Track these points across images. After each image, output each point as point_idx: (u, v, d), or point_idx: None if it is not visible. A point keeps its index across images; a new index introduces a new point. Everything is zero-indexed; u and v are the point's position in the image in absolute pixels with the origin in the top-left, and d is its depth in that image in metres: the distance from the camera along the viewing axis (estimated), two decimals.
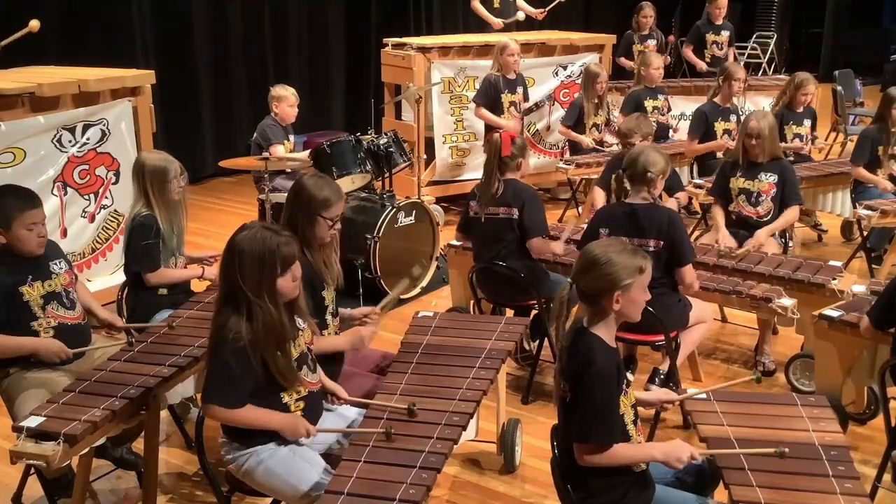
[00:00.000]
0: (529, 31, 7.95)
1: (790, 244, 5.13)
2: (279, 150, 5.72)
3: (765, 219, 4.76)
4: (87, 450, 2.86)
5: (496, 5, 7.92)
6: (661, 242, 3.80)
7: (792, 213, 4.79)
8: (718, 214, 4.92)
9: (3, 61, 5.21)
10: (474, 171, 7.16)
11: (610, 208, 4.24)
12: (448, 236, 5.32)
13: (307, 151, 5.83)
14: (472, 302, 4.59)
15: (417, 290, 5.57)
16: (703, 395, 2.92)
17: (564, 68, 7.66)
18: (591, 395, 2.49)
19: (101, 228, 5.25)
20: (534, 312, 4.39)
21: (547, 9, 8.12)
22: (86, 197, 5.13)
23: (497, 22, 7.83)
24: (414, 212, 5.49)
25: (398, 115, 7.90)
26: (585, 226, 4.27)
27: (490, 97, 6.56)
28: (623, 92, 7.27)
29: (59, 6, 7.21)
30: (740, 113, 6.36)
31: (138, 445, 3.40)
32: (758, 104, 7.72)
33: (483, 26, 8.04)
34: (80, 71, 5.30)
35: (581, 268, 2.61)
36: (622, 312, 2.58)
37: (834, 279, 4.10)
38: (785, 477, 2.48)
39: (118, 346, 3.31)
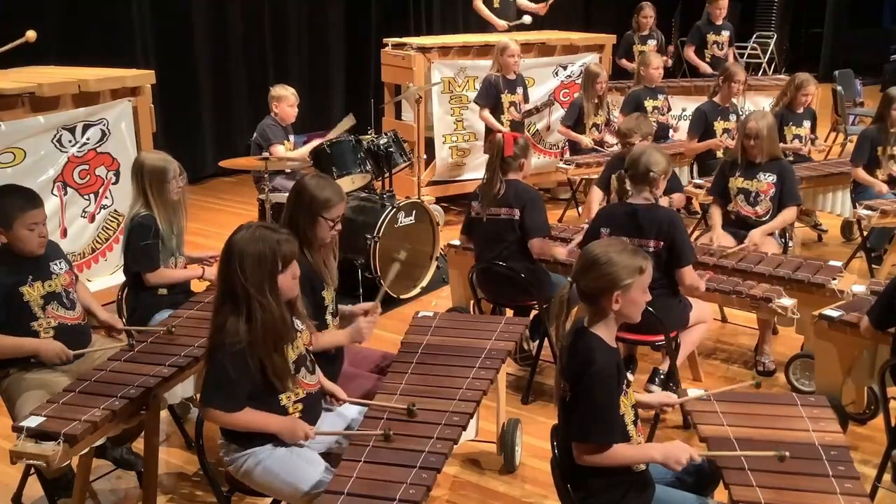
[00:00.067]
0: (529, 32, 7.95)
1: (790, 244, 5.14)
2: (279, 150, 5.72)
3: (763, 218, 4.76)
4: (87, 450, 2.86)
5: (496, 5, 7.91)
6: (661, 243, 3.80)
7: (789, 213, 4.79)
8: (716, 214, 4.93)
9: (3, 61, 5.21)
10: (474, 171, 7.17)
11: (611, 208, 4.24)
12: (448, 236, 5.32)
13: (314, 143, 5.84)
14: (472, 302, 4.59)
15: (417, 290, 5.58)
16: (703, 395, 2.92)
17: (564, 68, 7.66)
18: (591, 395, 2.49)
19: (101, 228, 5.25)
20: (534, 312, 4.39)
21: (548, 2, 8.11)
22: (86, 197, 5.13)
23: (501, 24, 7.82)
24: (414, 212, 5.49)
25: (398, 115, 7.90)
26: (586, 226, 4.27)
27: (491, 98, 6.56)
28: (623, 92, 7.27)
29: (59, 6, 7.21)
30: (740, 112, 6.37)
31: (138, 445, 3.40)
32: (758, 104, 7.72)
33: (484, 26, 8.03)
34: (80, 71, 5.30)
35: (581, 267, 2.61)
36: (622, 313, 2.57)
37: (834, 279, 4.10)
38: (785, 477, 2.48)
39: (118, 348, 3.31)
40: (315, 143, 5.82)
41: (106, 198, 5.23)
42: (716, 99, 6.24)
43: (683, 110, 7.57)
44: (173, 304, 3.76)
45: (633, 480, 2.57)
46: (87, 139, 5.05)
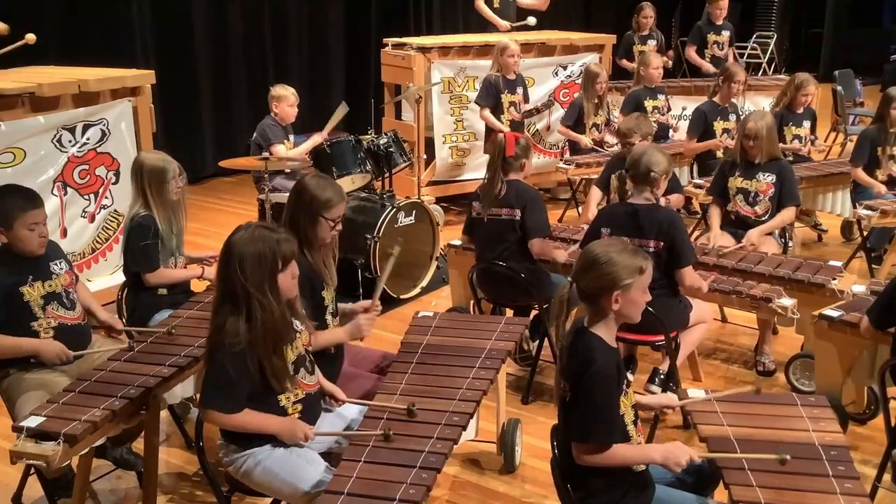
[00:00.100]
0: (529, 31, 7.95)
1: (790, 244, 5.14)
2: (280, 150, 5.72)
3: (763, 218, 4.77)
4: (87, 450, 2.86)
5: (496, 5, 7.92)
6: (662, 243, 3.80)
7: (788, 213, 4.79)
8: (715, 214, 4.93)
9: (3, 61, 5.21)
10: (474, 171, 7.17)
11: (612, 208, 4.25)
12: (448, 236, 5.32)
13: (314, 137, 5.87)
14: (472, 302, 4.59)
15: (417, 290, 5.58)
16: (704, 398, 2.92)
17: (564, 68, 7.66)
18: (590, 395, 2.49)
19: (101, 228, 5.25)
20: (534, 312, 4.39)
21: None
22: (86, 197, 5.13)
23: (504, 24, 7.82)
24: (414, 212, 5.49)
25: (398, 115, 7.90)
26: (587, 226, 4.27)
27: (491, 98, 6.56)
28: (623, 92, 7.27)
29: (59, 6, 7.21)
30: (740, 112, 6.37)
31: (138, 445, 3.40)
32: (758, 104, 7.72)
33: (485, 26, 8.03)
34: (80, 71, 5.30)
35: (581, 267, 2.61)
36: (621, 313, 2.57)
37: (834, 279, 4.10)
38: (785, 477, 2.48)
39: (118, 349, 3.30)
40: (315, 136, 5.85)
41: (106, 198, 5.23)
42: (715, 99, 6.24)
43: (683, 109, 7.57)
44: (173, 304, 3.76)
45: (633, 480, 2.57)
46: (87, 139, 5.05)
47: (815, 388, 3.89)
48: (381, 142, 5.77)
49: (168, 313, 3.67)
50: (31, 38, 5.05)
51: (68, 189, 5.02)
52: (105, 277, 5.24)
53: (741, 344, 4.84)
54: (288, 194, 3.36)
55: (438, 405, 2.89)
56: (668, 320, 3.77)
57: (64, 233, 5.01)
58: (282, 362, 2.69)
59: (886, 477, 3.32)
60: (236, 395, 2.64)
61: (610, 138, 6.76)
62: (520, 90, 6.67)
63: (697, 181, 5.77)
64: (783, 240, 4.99)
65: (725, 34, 8.10)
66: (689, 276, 3.86)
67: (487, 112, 6.56)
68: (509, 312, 4.48)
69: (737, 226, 4.82)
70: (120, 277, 4.18)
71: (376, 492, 2.45)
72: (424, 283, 5.62)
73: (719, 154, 6.08)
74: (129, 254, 3.82)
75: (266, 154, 5.13)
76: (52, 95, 4.79)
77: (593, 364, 2.49)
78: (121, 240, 4.24)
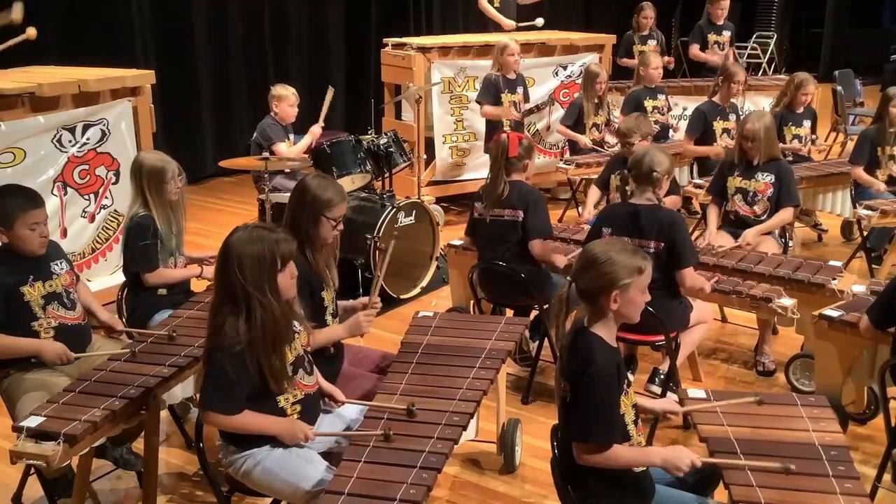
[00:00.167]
0: (529, 32, 7.95)
1: (790, 244, 5.14)
2: (281, 148, 5.73)
3: (762, 218, 4.77)
4: (87, 450, 2.86)
5: (496, 5, 7.92)
6: (662, 244, 3.80)
7: (786, 213, 4.79)
8: (713, 214, 4.94)
9: (3, 61, 5.21)
10: (474, 171, 7.17)
11: (614, 208, 4.25)
12: (448, 236, 5.32)
13: (314, 129, 5.90)
14: (472, 302, 4.59)
15: (417, 290, 5.58)
16: (704, 396, 2.92)
17: (564, 68, 7.66)
18: (590, 395, 2.49)
19: (101, 228, 5.25)
20: (534, 313, 4.39)
21: None
22: (86, 197, 5.13)
23: (509, 23, 7.81)
24: (414, 212, 5.49)
25: (398, 115, 7.90)
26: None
27: (491, 96, 6.55)
28: (623, 92, 7.27)
29: (59, 6, 7.20)
30: (740, 112, 6.36)
31: (138, 445, 3.40)
32: (758, 104, 7.72)
33: (486, 26, 8.03)
34: (80, 71, 5.30)
35: (581, 266, 2.61)
36: (620, 313, 2.57)
37: (834, 279, 4.10)
38: (785, 477, 2.47)
39: (119, 351, 3.30)
40: (313, 129, 5.90)
41: (106, 198, 5.23)
42: (715, 99, 6.24)
43: (684, 109, 7.57)
44: (173, 304, 3.76)
45: (633, 481, 2.57)
46: (87, 139, 5.05)
47: (815, 388, 3.89)
48: (381, 142, 5.77)
49: (168, 313, 3.67)
50: (31, 32, 5.04)
51: (68, 189, 5.02)
52: (105, 277, 5.23)
53: (741, 344, 4.84)
54: (288, 194, 3.37)
55: (438, 405, 2.89)
56: (668, 321, 3.77)
57: (64, 233, 5.01)
58: (281, 363, 2.69)
59: (886, 477, 3.32)
60: (236, 396, 2.64)
61: (610, 138, 6.76)
62: (520, 90, 6.66)
63: (697, 181, 5.77)
64: (783, 240, 4.99)
65: (726, 34, 8.10)
66: (690, 276, 3.86)
67: (488, 107, 6.53)
68: (509, 312, 4.48)
69: (736, 226, 4.82)
70: (120, 277, 4.18)
71: (377, 492, 2.45)
72: (424, 283, 5.63)
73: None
74: (128, 254, 3.83)
75: (266, 154, 5.13)
76: (52, 95, 4.79)
77: (593, 363, 2.49)
78: (120, 240, 4.24)
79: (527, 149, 4.32)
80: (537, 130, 7.62)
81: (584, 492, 2.58)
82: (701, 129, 6.18)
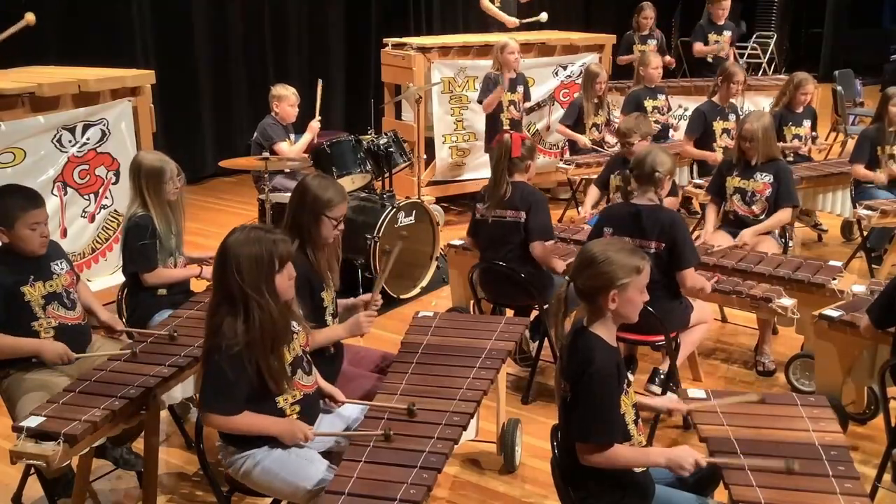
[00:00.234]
0: (529, 32, 7.95)
1: (790, 244, 5.14)
2: (283, 147, 5.73)
3: (761, 218, 4.78)
4: (87, 450, 2.86)
5: (497, 4, 7.91)
6: (663, 244, 3.79)
7: (784, 213, 4.79)
8: (711, 213, 4.95)
9: (3, 61, 5.21)
10: (474, 171, 7.17)
11: (615, 208, 4.24)
12: (448, 236, 5.32)
13: (313, 125, 5.90)
14: (472, 302, 4.59)
15: (417, 290, 5.58)
16: (704, 396, 2.92)
17: (564, 68, 7.66)
18: (590, 394, 2.49)
19: (101, 228, 5.25)
20: (534, 313, 4.38)
21: None
22: (86, 197, 5.13)
23: (512, 20, 7.80)
24: (414, 212, 5.49)
25: (398, 115, 7.90)
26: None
27: (491, 94, 6.53)
28: (623, 92, 7.28)
29: (59, 6, 7.21)
30: (740, 112, 6.36)
31: (138, 445, 3.40)
32: (758, 104, 7.72)
33: (486, 26, 8.02)
34: (80, 71, 5.30)
35: (579, 265, 2.61)
36: (619, 312, 2.57)
37: (834, 279, 4.10)
38: (785, 477, 2.47)
39: (119, 352, 3.30)
40: (311, 125, 5.92)
41: (106, 198, 5.23)
42: (715, 99, 6.24)
43: (685, 109, 7.56)
44: (173, 304, 3.76)
45: (633, 481, 2.57)
46: (87, 139, 5.05)
47: (815, 388, 3.89)
48: (381, 142, 5.78)
49: (168, 313, 3.67)
50: (30, 17, 5.02)
51: (68, 189, 5.02)
52: (105, 277, 5.24)
53: (741, 344, 4.84)
54: (288, 194, 3.37)
55: (439, 405, 2.89)
56: (668, 321, 3.77)
57: (64, 233, 5.01)
58: (279, 363, 2.68)
59: (886, 477, 3.32)
60: (235, 398, 2.63)
61: (610, 138, 6.76)
62: (520, 89, 6.66)
63: (697, 181, 5.77)
64: (783, 240, 4.99)
65: (727, 34, 8.10)
66: (691, 277, 3.85)
67: (487, 99, 6.47)
68: (509, 312, 4.48)
69: (735, 225, 4.82)
70: (120, 277, 4.19)
71: (377, 492, 2.45)
72: (424, 283, 5.63)
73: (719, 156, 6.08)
74: (127, 253, 3.83)
75: (266, 154, 5.13)
76: (52, 95, 4.79)
77: (592, 363, 2.49)
78: (120, 240, 4.24)
79: (529, 149, 4.32)
80: (537, 130, 7.62)
81: (584, 492, 2.58)
82: (701, 129, 6.18)
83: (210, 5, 8.44)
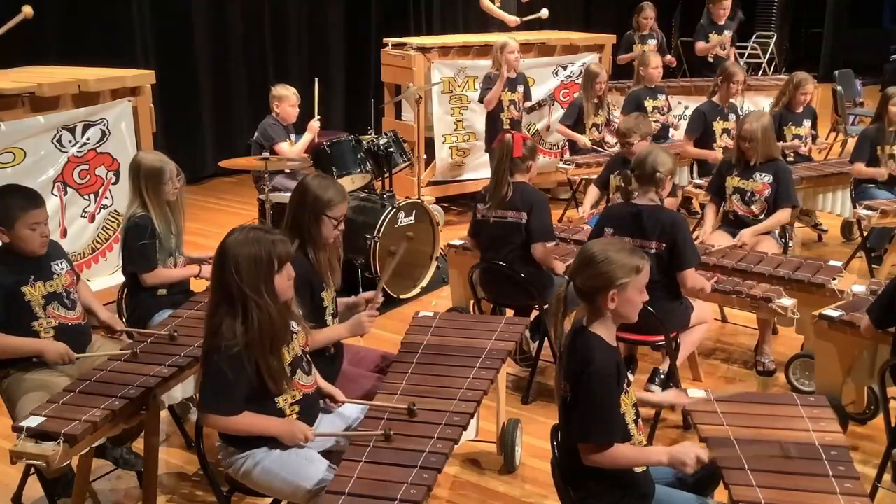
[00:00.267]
0: (529, 31, 7.95)
1: (790, 244, 5.14)
2: (284, 147, 5.73)
3: (760, 218, 4.78)
4: (87, 450, 2.86)
5: (497, 4, 7.91)
6: (663, 245, 3.79)
7: (782, 214, 4.79)
8: (710, 213, 4.95)
9: (3, 61, 5.20)
10: (474, 171, 7.17)
11: (616, 208, 4.24)
12: (448, 236, 5.32)
13: (313, 124, 5.92)
14: (472, 302, 4.59)
15: (417, 290, 5.58)
16: (704, 396, 2.92)
17: (564, 68, 7.66)
18: (590, 394, 2.49)
19: (101, 228, 5.25)
20: (534, 313, 4.38)
21: None
22: (86, 197, 5.13)
23: (513, 19, 7.80)
24: (414, 212, 5.49)
25: (398, 115, 7.90)
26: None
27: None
28: (623, 92, 7.28)
29: (59, 6, 7.21)
30: (740, 112, 6.36)
31: (138, 445, 3.40)
32: (758, 104, 7.72)
33: (486, 25, 8.01)
34: (80, 71, 5.30)
35: (579, 265, 2.61)
36: (618, 312, 2.57)
37: (834, 279, 4.10)
38: (785, 477, 2.48)
39: (119, 352, 3.30)
40: (311, 125, 5.91)
41: (106, 198, 5.23)
42: (715, 99, 6.24)
43: (686, 108, 7.56)
44: (173, 304, 3.77)
45: (633, 481, 2.57)
46: (87, 139, 5.05)
47: (815, 388, 3.89)
48: (381, 142, 5.78)
49: (168, 313, 3.67)
50: (28, 10, 5.00)
51: (68, 189, 5.02)
52: (105, 277, 5.24)
53: (741, 344, 4.84)
54: (288, 194, 3.37)
55: (439, 405, 2.89)
56: (668, 321, 3.77)
57: (64, 233, 5.01)
58: (279, 364, 2.68)
59: (886, 477, 3.32)
60: (234, 398, 2.63)
61: (610, 138, 6.76)
62: (520, 88, 6.65)
63: (697, 181, 5.77)
64: (783, 240, 5.00)
65: (727, 34, 8.10)
66: (691, 278, 3.85)
67: (487, 96, 6.43)
68: (509, 312, 4.48)
69: (734, 225, 4.83)
70: (120, 277, 4.19)
71: (377, 492, 2.45)
72: (424, 283, 5.63)
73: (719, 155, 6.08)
74: (126, 254, 3.83)
75: (266, 154, 5.13)
76: (52, 95, 4.79)
77: (592, 363, 2.49)
78: (119, 240, 4.24)
79: (531, 150, 4.32)
80: (537, 130, 7.62)
81: (584, 492, 2.58)
82: (701, 129, 6.18)
83: (210, 5, 8.44)
